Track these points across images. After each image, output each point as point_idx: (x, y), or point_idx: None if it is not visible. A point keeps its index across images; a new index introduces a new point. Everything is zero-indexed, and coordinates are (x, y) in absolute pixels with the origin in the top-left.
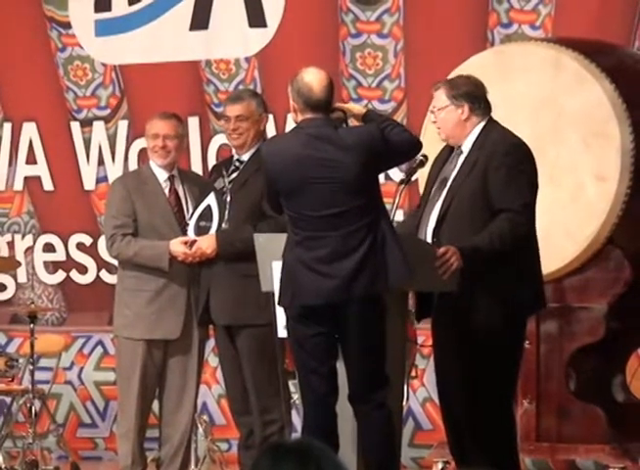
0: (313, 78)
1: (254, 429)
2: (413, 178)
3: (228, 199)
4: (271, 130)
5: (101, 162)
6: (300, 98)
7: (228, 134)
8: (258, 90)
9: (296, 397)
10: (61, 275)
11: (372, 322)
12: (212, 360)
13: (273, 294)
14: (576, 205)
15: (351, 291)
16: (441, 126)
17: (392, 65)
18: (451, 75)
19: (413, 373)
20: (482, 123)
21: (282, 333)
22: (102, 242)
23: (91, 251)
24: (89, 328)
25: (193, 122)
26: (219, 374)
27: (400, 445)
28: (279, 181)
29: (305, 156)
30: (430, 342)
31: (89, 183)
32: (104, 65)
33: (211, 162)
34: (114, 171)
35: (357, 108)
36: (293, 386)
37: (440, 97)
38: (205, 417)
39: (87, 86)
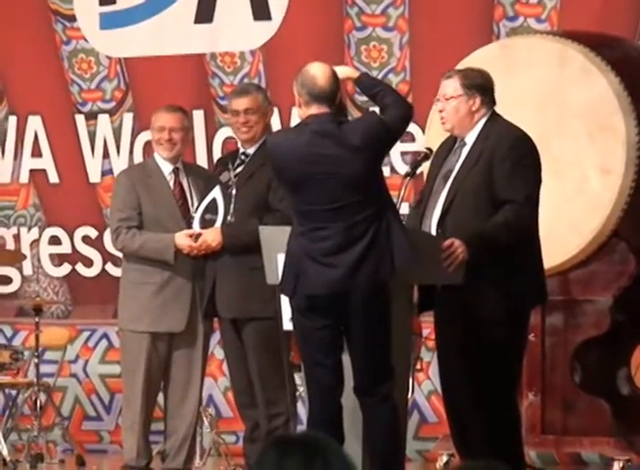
0: (317, 70)
1: (260, 422)
2: (418, 171)
3: (234, 192)
4: (276, 124)
5: (106, 154)
6: (304, 89)
7: (236, 128)
8: (263, 83)
9: (301, 389)
10: (66, 268)
11: (377, 313)
12: (218, 353)
13: (278, 287)
14: (581, 198)
15: (355, 280)
16: (449, 115)
17: (398, 58)
18: (458, 67)
19: (418, 366)
20: (487, 116)
21: (287, 326)
22: (107, 235)
23: (97, 244)
24: (94, 321)
25: (198, 116)
26: (225, 367)
27: (405, 437)
28: (282, 175)
29: (308, 153)
30: (434, 334)
31: (94, 176)
32: (108, 58)
33: (216, 155)
34: (120, 164)
35: (350, 71)
36: (298, 378)
37: (453, 86)
38: (210, 410)
39: (92, 79)
